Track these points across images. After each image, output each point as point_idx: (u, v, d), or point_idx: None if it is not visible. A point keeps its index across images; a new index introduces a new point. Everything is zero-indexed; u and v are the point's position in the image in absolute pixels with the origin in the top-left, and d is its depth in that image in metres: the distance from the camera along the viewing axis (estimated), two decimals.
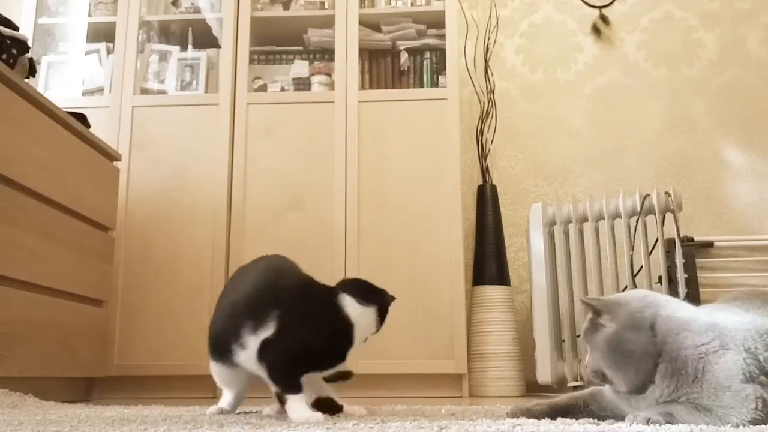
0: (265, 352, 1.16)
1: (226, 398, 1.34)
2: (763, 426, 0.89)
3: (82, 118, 2.25)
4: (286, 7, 3.00)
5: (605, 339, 1.00)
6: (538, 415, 1.04)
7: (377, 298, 1.29)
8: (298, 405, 1.14)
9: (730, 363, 0.93)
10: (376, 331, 1.29)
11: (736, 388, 0.91)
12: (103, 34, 2.93)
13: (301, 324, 1.19)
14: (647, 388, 0.97)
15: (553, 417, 1.05)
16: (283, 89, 2.89)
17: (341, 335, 1.22)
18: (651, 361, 0.96)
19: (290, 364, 1.17)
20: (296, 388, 1.15)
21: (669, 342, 0.97)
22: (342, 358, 1.22)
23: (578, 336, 2.46)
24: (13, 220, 1.77)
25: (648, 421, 0.93)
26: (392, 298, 1.32)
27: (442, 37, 2.83)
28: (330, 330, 1.21)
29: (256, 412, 1.35)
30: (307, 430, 0.97)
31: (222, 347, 1.22)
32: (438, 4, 2.88)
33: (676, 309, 1.01)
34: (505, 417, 1.06)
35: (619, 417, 1.03)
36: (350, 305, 1.23)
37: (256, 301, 1.20)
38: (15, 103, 1.81)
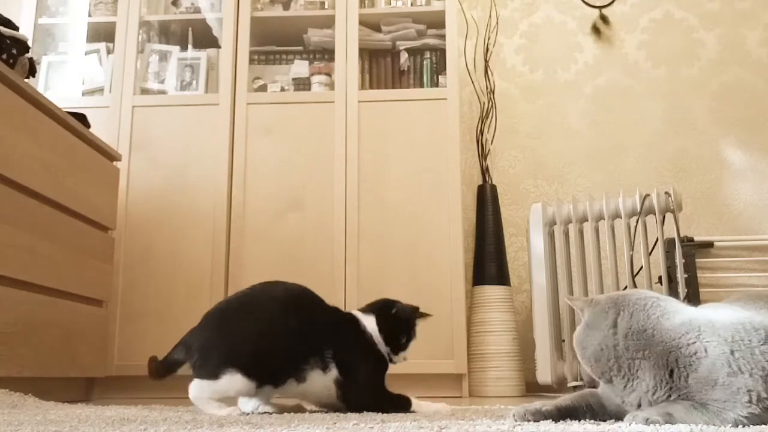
0: (349, 396, 1.32)
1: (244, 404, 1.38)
2: (764, 426, 0.90)
3: (82, 118, 2.25)
4: (286, 7, 3.00)
5: (575, 336, 1.08)
6: (546, 416, 1.04)
7: (377, 309, 1.41)
8: (420, 404, 1.33)
9: (712, 357, 0.94)
10: (396, 347, 1.38)
11: (724, 382, 0.92)
12: (103, 34, 2.93)
13: (357, 357, 1.34)
14: (614, 381, 1.02)
15: (559, 418, 1.04)
16: (283, 89, 2.89)
17: (375, 348, 1.37)
18: (609, 355, 1.01)
19: (379, 397, 1.33)
20: (403, 404, 1.32)
21: (636, 339, 1.00)
22: (386, 365, 1.39)
23: None
24: (13, 220, 1.77)
25: (647, 421, 0.93)
26: (400, 309, 1.40)
27: (442, 37, 2.83)
28: (370, 349, 1.37)
29: (260, 413, 1.35)
30: (307, 430, 0.97)
31: (265, 371, 1.30)
32: (438, 4, 2.88)
33: (651, 306, 1.03)
34: (507, 417, 1.06)
35: (620, 416, 1.03)
36: (365, 319, 1.40)
37: (310, 339, 1.32)
38: (15, 103, 1.81)
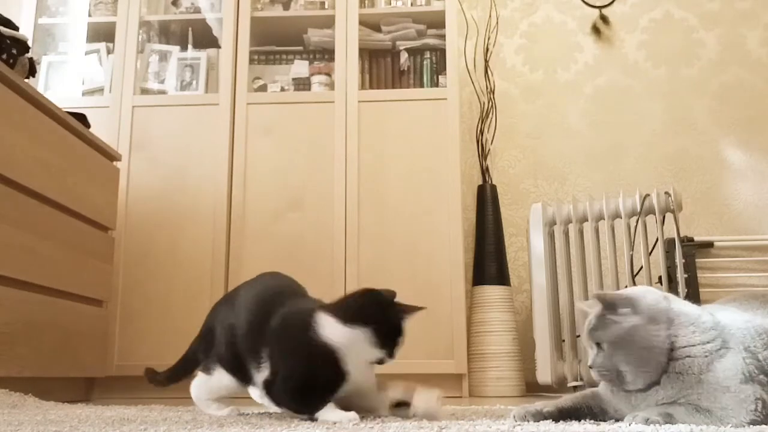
0: (271, 395, 1.17)
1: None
2: (763, 426, 0.89)
3: (82, 118, 2.25)
4: (286, 7, 3.00)
5: (626, 333, 0.97)
6: (547, 417, 1.03)
7: (368, 317, 1.14)
8: (329, 413, 1.10)
9: (730, 363, 0.93)
10: (387, 355, 1.15)
11: (735, 389, 0.91)
12: (103, 34, 2.93)
13: (286, 359, 1.15)
14: (652, 386, 0.96)
15: (560, 419, 1.04)
16: (283, 89, 2.89)
17: (325, 361, 1.12)
18: (666, 355, 0.95)
19: (297, 401, 1.14)
20: (313, 409, 1.12)
21: (680, 336, 0.96)
22: (340, 381, 1.13)
23: (578, 336, 2.46)
24: (13, 220, 1.77)
25: (647, 421, 0.92)
26: (404, 312, 1.18)
27: (442, 37, 2.83)
28: (311, 359, 1.13)
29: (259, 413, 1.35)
30: (307, 430, 0.97)
31: (238, 369, 1.24)
32: (438, 4, 2.88)
33: (683, 303, 1.01)
34: (507, 417, 1.05)
35: (619, 417, 1.02)
36: (329, 326, 1.13)
37: (252, 338, 1.21)
38: (15, 103, 1.81)
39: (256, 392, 1.35)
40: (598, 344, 1.01)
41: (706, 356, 0.93)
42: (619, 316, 0.99)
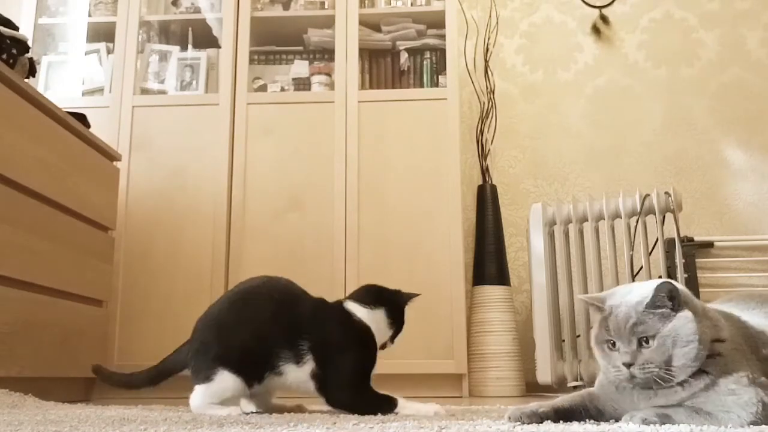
0: (326, 391, 1.27)
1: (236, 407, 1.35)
2: (764, 426, 0.89)
3: (82, 118, 2.25)
4: (286, 7, 3.00)
5: (683, 325, 0.93)
6: (542, 417, 1.02)
7: (384, 300, 1.36)
8: (408, 405, 1.25)
9: (738, 365, 0.92)
10: (394, 334, 1.37)
11: (739, 392, 0.91)
12: (103, 34, 2.93)
13: (337, 349, 1.28)
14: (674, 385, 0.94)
15: (557, 420, 1.03)
16: (283, 89, 2.89)
17: (366, 340, 1.31)
18: (707, 350, 0.93)
19: (358, 395, 1.27)
20: (387, 405, 1.25)
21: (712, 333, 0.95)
22: (374, 360, 1.31)
23: (578, 336, 2.46)
24: (13, 220, 1.77)
25: (645, 421, 0.92)
26: (407, 297, 1.38)
27: (442, 37, 2.83)
28: (357, 340, 1.30)
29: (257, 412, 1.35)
30: (307, 430, 0.97)
31: (249, 367, 1.28)
32: (438, 4, 2.88)
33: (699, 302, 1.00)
34: (506, 418, 1.05)
35: (619, 416, 1.02)
36: (358, 310, 1.33)
37: (283, 331, 1.29)
38: (15, 103, 1.81)
39: (248, 408, 1.36)
40: (641, 339, 0.96)
41: (722, 355, 0.93)
42: (665, 309, 0.96)
